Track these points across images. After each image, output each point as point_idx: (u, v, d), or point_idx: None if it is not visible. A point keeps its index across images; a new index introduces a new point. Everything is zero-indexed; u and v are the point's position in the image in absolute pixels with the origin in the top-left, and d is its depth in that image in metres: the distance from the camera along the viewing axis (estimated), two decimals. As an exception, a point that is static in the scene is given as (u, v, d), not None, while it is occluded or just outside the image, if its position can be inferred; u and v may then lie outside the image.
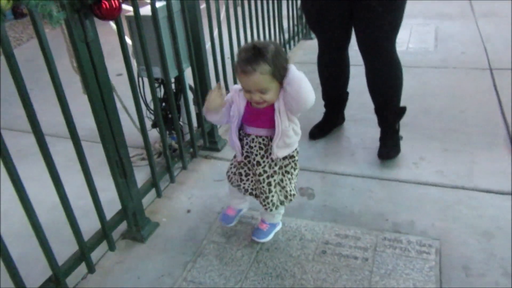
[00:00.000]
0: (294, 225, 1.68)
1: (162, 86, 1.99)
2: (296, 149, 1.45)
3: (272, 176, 1.43)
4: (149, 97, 1.85)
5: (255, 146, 1.40)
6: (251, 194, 1.52)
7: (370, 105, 2.09)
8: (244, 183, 1.51)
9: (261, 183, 1.44)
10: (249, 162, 1.46)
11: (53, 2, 1.05)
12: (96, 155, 1.59)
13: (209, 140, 2.20)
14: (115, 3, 1.28)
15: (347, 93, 2.30)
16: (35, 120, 1.21)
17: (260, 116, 1.36)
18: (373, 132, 2.14)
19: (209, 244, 1.64)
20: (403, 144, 2.08)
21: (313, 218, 1.71)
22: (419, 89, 2.72)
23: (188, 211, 1.82)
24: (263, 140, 1.39)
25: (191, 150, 2.10)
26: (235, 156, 1.52)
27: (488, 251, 1.49)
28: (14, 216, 1.36)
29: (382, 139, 2.09)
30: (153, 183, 1.80)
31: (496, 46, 3.33)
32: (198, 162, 2.15)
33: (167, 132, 2.06)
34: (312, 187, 1.89)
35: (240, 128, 1.45)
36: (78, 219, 1.41)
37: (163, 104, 2.02)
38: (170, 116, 1.97)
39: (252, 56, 1.24)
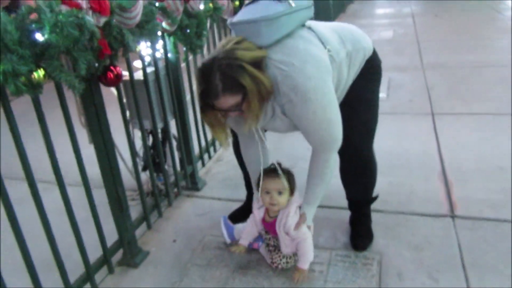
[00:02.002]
0: (263, 248, 2.01)
1: (150, 136, 2.36)
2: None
3: (283, 259, 1.84)
4: (138, 144, 2.22)
5: (270, 242, 1.86)
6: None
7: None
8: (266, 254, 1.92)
9: (273, 259, 1.86)
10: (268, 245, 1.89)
11: (75, 77, 1.43)
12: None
13: (191, 181, 2.56)
14: (118, 74, 1.67)
15: None
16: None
17: (271, 226, 1.80)
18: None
19: (192, 266, 1.95)
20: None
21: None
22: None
23: (174, 240, 2.14)
24: (276, 239, 1.83)
25: (175, 190, 2.44)
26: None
27: (418, 261, 1.86)
28: (36, 246, 1.64)
29: (353, 224, 2.09)
30: (144, 216, 2.13)
31: (438, 94, 3.86)
32: (182, 200, 2.49)
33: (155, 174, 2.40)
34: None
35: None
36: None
37: (151, 150, 2.38)
38: (157, 161, 2.32)
39: (274, 169, 1.73)
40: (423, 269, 1.81)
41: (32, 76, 1.34)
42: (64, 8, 1.42)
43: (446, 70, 4.58)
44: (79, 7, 1.47)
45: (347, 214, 2.16)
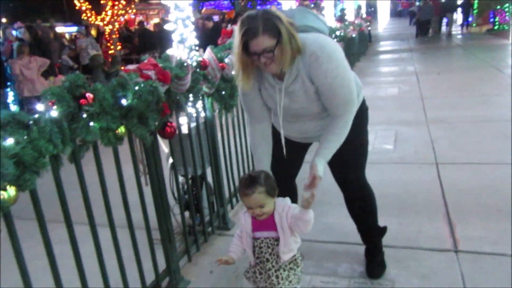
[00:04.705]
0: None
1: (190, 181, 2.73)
2: (298, 251, 1.82)
3: (279, 270, 1.76)
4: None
5: (264, 246, 1.75)
6: None
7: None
8: (259, 281, 1.81)
9: (270, 277, 1.75)
10: (260, 262, 1.77)
11: (147, 131, 1.84)
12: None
13: (222, 221, 2.90)
14: (174, 128, 2.09)
15: None
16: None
17: (263, 223, 1.75)
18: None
19: (229, 293, 2.26)
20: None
21: (305, 272, 2.34)
22: (381, 181, 3.46)
23: (211, 272, 2.46)
24: (270, 240, 1.75)
25: (210, 229, 2.79)
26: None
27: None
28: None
29: (368, 256, 2.36)
30: (186, 250, 2.46)
31: (441, 146, 4.22)
32: (214, 237, 2.82)
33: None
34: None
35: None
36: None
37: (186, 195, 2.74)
38: (195, 203, 2.69)
39: (250, 182, 1.69)
40: (430, 294, 2.10)
41: (117, 131, 1.76)
42: (140, 79, 1.87)
43: (449, 124, 4.96)
44: (149, 78, 1.91)
45: (363, 249, 2.47)
